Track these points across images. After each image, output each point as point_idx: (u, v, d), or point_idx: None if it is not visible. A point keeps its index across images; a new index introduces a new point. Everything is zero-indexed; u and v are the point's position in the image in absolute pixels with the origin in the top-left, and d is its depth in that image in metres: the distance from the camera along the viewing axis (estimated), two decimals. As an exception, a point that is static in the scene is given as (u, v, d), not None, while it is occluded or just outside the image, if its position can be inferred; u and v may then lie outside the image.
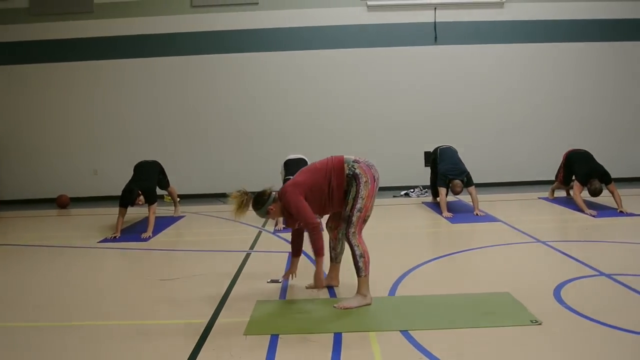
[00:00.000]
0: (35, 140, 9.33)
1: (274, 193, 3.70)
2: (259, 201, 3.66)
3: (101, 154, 9.32)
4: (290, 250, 4.02)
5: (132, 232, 6.31)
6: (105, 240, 6.01)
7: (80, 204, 8.85)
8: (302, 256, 4.09)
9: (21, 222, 7.71)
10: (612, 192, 6.57)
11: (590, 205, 6.76)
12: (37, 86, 9.26)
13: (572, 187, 6.98)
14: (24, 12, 9.11)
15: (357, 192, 3.56)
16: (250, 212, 3.75)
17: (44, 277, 4.72)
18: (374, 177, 3.60)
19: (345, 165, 3.60)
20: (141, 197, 6.21)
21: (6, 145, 9.31)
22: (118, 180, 6.44)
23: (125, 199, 6.20)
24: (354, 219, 3.55)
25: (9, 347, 3.17)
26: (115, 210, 6.42)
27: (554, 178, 7.71)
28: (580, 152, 7.11)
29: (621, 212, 6.41)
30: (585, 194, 6.78)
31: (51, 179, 9.28)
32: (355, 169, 3.58)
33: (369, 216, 3.64)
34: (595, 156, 6.98)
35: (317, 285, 3.76)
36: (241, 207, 3.60)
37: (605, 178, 6.57)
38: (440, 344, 2.96)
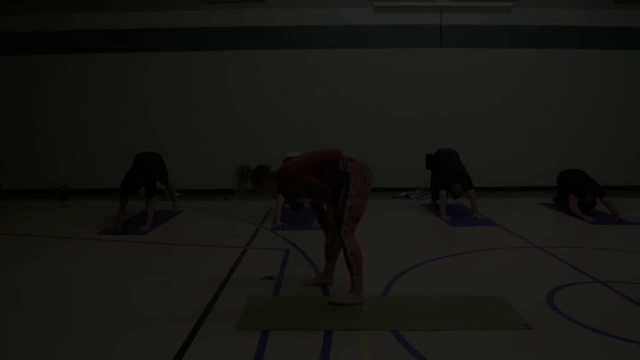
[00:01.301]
0: (36, 131, 9.34)
1: (272, 169, 3.76)
2: (258, 173, 3.73)
3: (103, 146, 9.32)
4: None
5: (130, 225, 6.33)
6: (104, 232, 6.03)
7: (81, 196, 8.85)
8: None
9: (21, 212, 7.72)
10: (607, 204, 6.63)
11: (590, 212, 6.75)
12: (35, 80, 9.26)
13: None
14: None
15: (347, 189, 3.59)
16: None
17: (39, 267, 4.75)
18: (364, 177, 3.61)
19: (340, 161, 3.65)
20: (142, 188, 6.20)
21: (8, 134, 9.34)
22: (120, 173, 6.45)
23: (126, 189, 6.19)
24: (345, 217, 3.57)
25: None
26: (115, 203, 6.43)
27: (555, 184, 7.67)
28: (572, 170, 7.30)
29: (620, 220, 6.41)
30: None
31: (52, 170, 9.30)
32: (347, 167, 3.61)
33: (360, 215, 3.67)
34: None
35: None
36: (242, 178, 3.68)
37: (598, 191, 6.68)
38: (430, 345, 2.96)
